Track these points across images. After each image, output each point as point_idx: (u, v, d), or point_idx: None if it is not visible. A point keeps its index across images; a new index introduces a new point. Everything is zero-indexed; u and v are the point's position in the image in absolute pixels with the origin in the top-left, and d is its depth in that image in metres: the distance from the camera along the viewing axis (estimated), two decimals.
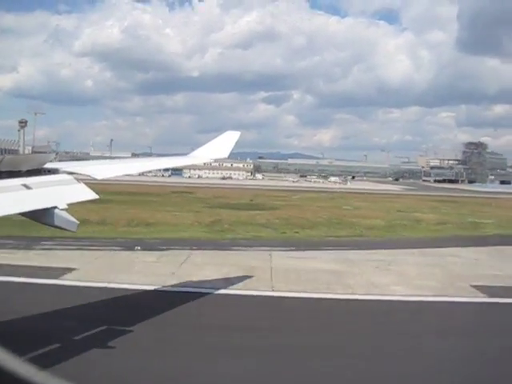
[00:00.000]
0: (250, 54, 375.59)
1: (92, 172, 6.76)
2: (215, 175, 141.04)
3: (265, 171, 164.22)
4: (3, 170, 5.76)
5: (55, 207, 5.81)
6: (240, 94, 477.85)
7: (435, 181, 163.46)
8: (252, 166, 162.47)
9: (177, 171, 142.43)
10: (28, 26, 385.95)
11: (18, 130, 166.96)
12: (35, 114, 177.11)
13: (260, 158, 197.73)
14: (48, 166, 6.37)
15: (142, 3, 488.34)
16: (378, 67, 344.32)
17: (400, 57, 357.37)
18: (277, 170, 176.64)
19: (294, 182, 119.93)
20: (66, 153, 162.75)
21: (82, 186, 6.47)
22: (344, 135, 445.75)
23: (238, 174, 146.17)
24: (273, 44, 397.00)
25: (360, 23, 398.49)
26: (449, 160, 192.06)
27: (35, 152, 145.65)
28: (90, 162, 9.60)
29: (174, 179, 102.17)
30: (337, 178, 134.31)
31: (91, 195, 6.43)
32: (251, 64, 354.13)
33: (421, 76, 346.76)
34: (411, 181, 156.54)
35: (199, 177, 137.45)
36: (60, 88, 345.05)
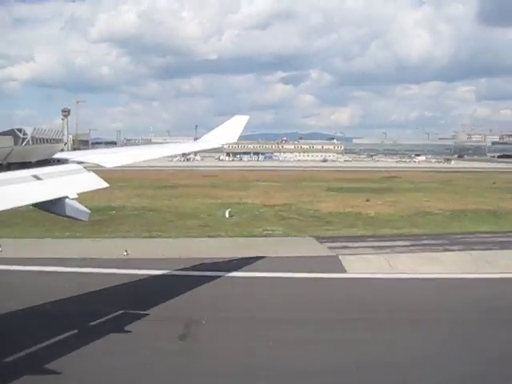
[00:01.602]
0: (267, 34, 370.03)
1: (101, 160, 6.73)
2: (310, 158, 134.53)
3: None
4: (13, 161, 5.73)
5: (66, 197, 5.78)
6: (257, 74, 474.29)
7: (499, 156, 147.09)
8: (342, 147, 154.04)
9: (267, 154, 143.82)
10: (42, 14, 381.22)
11: (62, 119, 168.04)
12: (77, 102, 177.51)
13: (300, 138, 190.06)
14: (57, 155, 6.33)
15: None
16: (396, 43, 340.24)
17: (418, 31, 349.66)
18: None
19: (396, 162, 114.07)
20: (128, 140, 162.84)
21: (92, 174, 6.44)
22: (362, 113, 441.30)
23: (330, 156, 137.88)
24: (290, 23, 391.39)
25: None
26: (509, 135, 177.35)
27: (78, 140, 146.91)
28: (99, 150, 9.54)
29: (282, 164, 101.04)
30: (423, 158, 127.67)
31: (101, 184, 6.41)
32: (269, 44, 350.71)
33: (440, 50, 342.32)
34: (475, 157, 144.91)
35: (289, 159, 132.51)
36: (77, 75, 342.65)
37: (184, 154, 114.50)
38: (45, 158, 6.13)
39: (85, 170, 6.38)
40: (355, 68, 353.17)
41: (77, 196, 5.91)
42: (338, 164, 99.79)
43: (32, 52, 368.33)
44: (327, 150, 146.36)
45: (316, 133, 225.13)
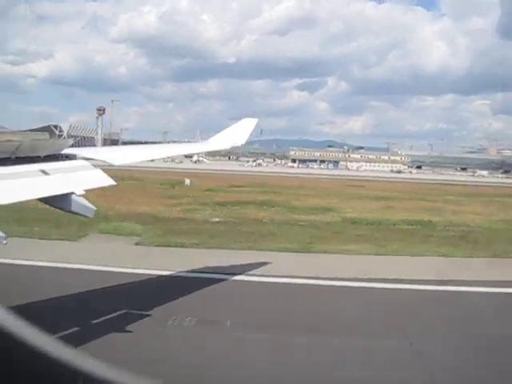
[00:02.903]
0: (287, 40, 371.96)
1: (109, 158, 6.71)
2: (379, 168, 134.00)
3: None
4: (21, 155, 5.70)
5: (72, 193, 5.77)
6: (274, 80, 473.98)
7: None
8: (409, 158, 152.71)
9: (335, 162, 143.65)
10: (64, 12, 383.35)
11: (97, 118, 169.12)
12: (112, 101, 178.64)
13: (329, 146, 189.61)
14: (65, 151, 6.31)
15: None
16: (414, 54, 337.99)
17: (437, 43, 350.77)
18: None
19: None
20: (173, 142, 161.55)
21: (99, 171, 6.43)
22: (376, 123, 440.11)
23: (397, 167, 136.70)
24: (310, 30, 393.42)
25: (397, 9, 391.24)
26: None
27: (110, 139, 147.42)
28: (108, 148, 9.51)
29: (348, 172, 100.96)
30: (485, 172, 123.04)
31: (108, 181, 6.40)
32: (287, 50, 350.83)
33: (458, 63, 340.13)
34: None
35: (357, 169, 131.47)
36: (95, 75, 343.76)
37: (186, 156, 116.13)
38: (53, 154, 6.11)
39: (92, 166, 6.37)
40: (372, 77, 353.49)
41: (83, 192, 5.91)
42: (416, 176, 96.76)
43: (52, 49, 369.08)
44: (393, 161, 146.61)
45: (329, 140, 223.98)
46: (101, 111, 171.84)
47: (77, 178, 6.15)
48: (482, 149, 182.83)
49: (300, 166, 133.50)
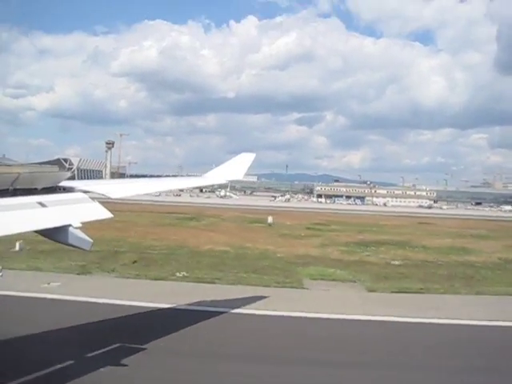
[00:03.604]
0: (286, 75, 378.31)
1: (107, 191, 6.76)
2: (406, 203, 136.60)
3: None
4: (19, 187, 5.78)
5: (69, 225, 5.81)
6: (273, 115, 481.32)
7: None
8: (435, 194, 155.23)
9: (360, 198, 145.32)
10: (65, 47, 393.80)
11: (106, 151, 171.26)
12: (120, 135, 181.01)
13: (336, 181, 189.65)
14: (63, 184, 6.39)
15: (178, 25, 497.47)
16: (411, 89, 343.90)
17: (434, 78, 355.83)
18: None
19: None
20: (189, 176, 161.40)
21: (97, 204, 6.46)
22: (374, 157, 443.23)
23: (421, 202, 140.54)
24: (309, 65, 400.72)
25: (395, 44, 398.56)
26: None
27: (118, 173, 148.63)
28: (106, 180, 9.60)
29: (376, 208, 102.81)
30: (510, 207, 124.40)
31: (105, 214, 6.42)
32: (286, 85, 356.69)
33: (455, 98, 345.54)
34: None
35: (384, 204, 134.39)
36: (94, 108, 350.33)
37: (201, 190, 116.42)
38: (50, 186, 6.19)
39: (90, 199, 6.41)
40: (370, 112, 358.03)
41: (80, 225, 5.94)
42: (452, 212, 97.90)
43: (53, 83, 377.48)
44: (419, 196, 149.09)
45: (326, 175, 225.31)
46: (110, 145, 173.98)
47: (74, 210, 6.16)
48: (487, 183, 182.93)
49: (327, 201, 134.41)
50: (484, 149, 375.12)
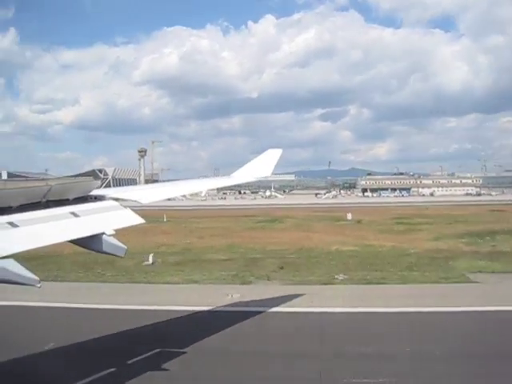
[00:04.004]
0: (307, 71, 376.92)
1: (137, 197, 6.81)
2: (454, 192, 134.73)
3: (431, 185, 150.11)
4: (51, 198, 5.89)
5: (103, 233, 5.88)
6: (296, 112, 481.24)
7: None
8: (480, 181, 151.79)
9: (405, 190, 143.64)
10: (87, 59, 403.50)
11: (139, 159, 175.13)
12: (152, 142, 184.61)
13: (369, 174, 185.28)
14: (94, 192, 6.48)
15: (197, 29, 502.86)
16: (434, 76, 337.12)
17: (457, 64, 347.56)
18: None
19: None
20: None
21: (128, 211, 6.51)
22: (400, 148, 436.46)
23: (467, 190, 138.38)
24: (329, 60, 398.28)
25: (415, 33, 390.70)
26: None
27: (151, 180, 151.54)
28: (136, 186, 9.72)
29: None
30: None
31: (137, 220, 6.47)
32: (308, 82, 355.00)
33: (479, 82, 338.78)
34: None
35: (431, 194, 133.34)
36: (118, 118, 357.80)
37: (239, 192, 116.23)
38: (82, 195, 6.29)
39: (121, 206, 6.47)
40: (394, 102, 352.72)
41: (114, 232, 6.01)
42: (503, 198, 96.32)
43: (77, 96, 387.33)
44: (465, 184, 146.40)
45: (354, 168, 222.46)
46: (142, 152, 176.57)
47: (106, 218, 6.23)
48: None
49: (374, 195, 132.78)
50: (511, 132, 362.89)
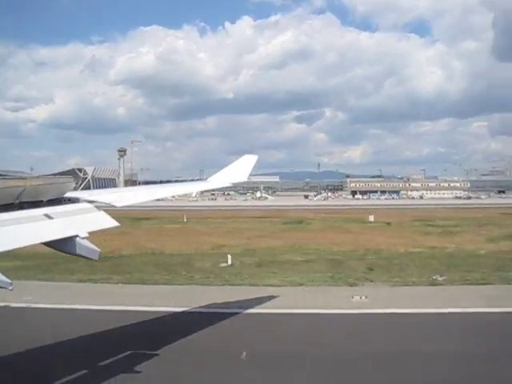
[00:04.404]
0: (284, 73, 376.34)
1: (111, 200, 6.81)
2: (443, 195, 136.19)
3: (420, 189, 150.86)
4: (25, 200, 5.89)
5: (76, 236, 5.87)
6: (272, 114, 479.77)
7: None
8: (468, 184, 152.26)
9: (395, 192, 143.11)
10: (62, 57, 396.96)
11: (118, 159, 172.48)
12: (132, 142, 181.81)
13: (347, 176, 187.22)
14: (68, 195, 6.47)
15: (174, 29, 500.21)
16: (409, 80, 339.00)
17: (432, 68, 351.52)
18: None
19: None
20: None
21: (103, 214, 6.52)
22: (375, 150, 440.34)
23: (453, 193, 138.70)
24: (306, 63, 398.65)
25: (391, 37, 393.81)
26: None
27: (130, 180, 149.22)
28: (110, 189, 9.69)
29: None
30: None
31: (111, 223, 6.49)
32: (284, 84, 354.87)
33: (453, 87, 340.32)
34: None
35: (420, 197, 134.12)
36: (93, 117, 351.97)
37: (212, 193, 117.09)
38: (56, 197, 6.29)
39: (95, 208, 6.48)
40: (369, 106, 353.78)
41: (87, 235, 6.00)
42: (494, 201, 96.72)
43: (51, 94, 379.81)
44: (453, 188, 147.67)
45: (329, 171, 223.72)
46: (122, 152, 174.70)
47: (80, 220, 6.23)
48: (496, 171, 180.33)
49: (364, 197, 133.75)
50: (484, 136, 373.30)
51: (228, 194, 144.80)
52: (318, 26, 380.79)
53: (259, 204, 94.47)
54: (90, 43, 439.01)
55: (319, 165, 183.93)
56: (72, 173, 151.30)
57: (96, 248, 6.04)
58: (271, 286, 15.86)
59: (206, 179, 8.98)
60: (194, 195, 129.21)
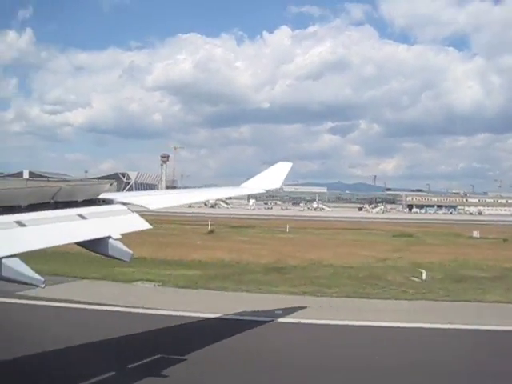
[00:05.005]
0: (320, 84, 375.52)
1: (145, 202, 6.85)
2: (504, 212, 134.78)
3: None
4: (60, 200, 5.97)
5: (109, 237, 5.92)
6: (306, 124, 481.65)
7: None
8: None
9: (452, 207, 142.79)
10: (101, 62, 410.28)
11: (161, 165, 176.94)
12: (174, 148, 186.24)
13: (387, 189, 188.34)
14: (103, 196, 6.54)
15: (212, 37, 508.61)
16: (446, 94, 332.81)
17: (469, 83, 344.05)
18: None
19: None
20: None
21: (136, 216, 6.54)
22: (408, 164, 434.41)
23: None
24: (342, 74, 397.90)
25: (429, 50, 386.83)
26: None
27: (172, 186, 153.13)
28: (145, 192, 9.80)
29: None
30: None
31: (144, 225, 6.50)
32: (320, 95, 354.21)
33: (491, 102, 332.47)
34: None
35: (479, 213, 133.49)
36: (129, 122, 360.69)
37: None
38: (90, 198, 6.36)
39: (129, 210, 6.50)
40: (404, 119, 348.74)
41: (120, 236, 6.04)
42: None
43: (89, 98, 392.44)
44: (511, 204, 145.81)
45: (361, 183, 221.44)
46: (165, 158, 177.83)
47: (113, 222, 6.27)
48: None
49: (422, 211, 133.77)
50: None
51: (276, 204, 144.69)
52: (355, 38, 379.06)
53: (322, 215, 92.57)
54: (128, 49, 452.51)
55: (375, 177, 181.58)
56: (115, 177, 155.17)
57: (129, 250, 6.03)
58: (496, 302, 15.35)
59: (239, 185, 8.94)
60: (251, 204, 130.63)
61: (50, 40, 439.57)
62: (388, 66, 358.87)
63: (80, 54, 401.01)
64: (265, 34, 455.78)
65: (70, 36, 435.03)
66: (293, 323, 12.32)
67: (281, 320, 12.41)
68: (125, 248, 6.02)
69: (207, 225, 47.46)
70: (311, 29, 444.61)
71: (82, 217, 5.91)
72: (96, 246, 5.93)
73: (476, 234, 44.23)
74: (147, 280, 17.82)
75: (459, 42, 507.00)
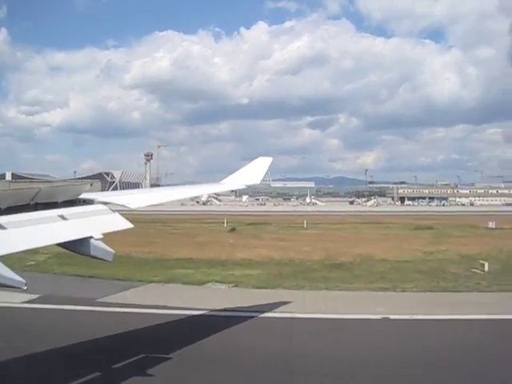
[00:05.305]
0: (298, 79, 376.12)
1: (126, 201, 6.85)
2: (495, 202, 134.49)
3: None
4: (40, 201, 5.96)
5: (91, 237, 5.92)
6: (286, 119, 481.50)
7: None
8: None
9: (444, 199, 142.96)
10: (78, 62, 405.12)
11: (145, 163, 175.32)
12: (158, 146, 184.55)
13: (370, 182, 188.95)
14: (83, 196, 6.54)
15: (189, 34, 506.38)
16: (424, 86, 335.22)
17: (447, 75, 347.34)
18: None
19: None
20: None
21: (117, 215, 6.55)
22: (388, 157, 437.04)
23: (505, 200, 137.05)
24: (321, 68, 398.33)
25: (406, 43, 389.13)
26: None
27: (156, 184, 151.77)
28: (125, 191, 9.79)
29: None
30: None
31: (125, 225, 6.52)
32: (299, 89, 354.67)
33: (468, 93, 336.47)
34: None
35: (471, 204, 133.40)
36: (107, 121, 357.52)
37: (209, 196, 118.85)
38: (71, 199, 6.35)
39: (110, 210, 6.51)
40: (383, 112, 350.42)
41: (101, 236, 6.04)
42: None
43: (66, 98, 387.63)
44: (501, 195, 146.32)
45: (341, 177, 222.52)
46: (148, 157, 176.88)
47: (95, 222, 6.26)
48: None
49: (415, 203, 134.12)
50: (499, 143, 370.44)
51: (268, 200, 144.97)
52: (333, 32, 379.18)
53: (319, 209, 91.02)
54: (105, 48, 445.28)
55: (366, 171, 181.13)
56: (99, 177, 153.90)
57: (110, 250, 6.05)
58: None
59: (219, 182, 8.96)
60: (244, 200, 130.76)
61: (26, 40, 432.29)
62: (366, 59, 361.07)
63: (57, 54, 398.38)
64: (242, 29, 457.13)
65: (46, 36, 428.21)
66: (417, 319, 12.22)
67: (394, 317, 12.24)
68: (107, 248, 6.04)
69: (219, 222, 46.43)
70: (288, 24, 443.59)
71: (63, 217, 5.90)
72: (78, 246, 5.93)
73: (492, 224, 43.40)
74: (216, 281, 17.23)
75: (436, 35, 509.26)
